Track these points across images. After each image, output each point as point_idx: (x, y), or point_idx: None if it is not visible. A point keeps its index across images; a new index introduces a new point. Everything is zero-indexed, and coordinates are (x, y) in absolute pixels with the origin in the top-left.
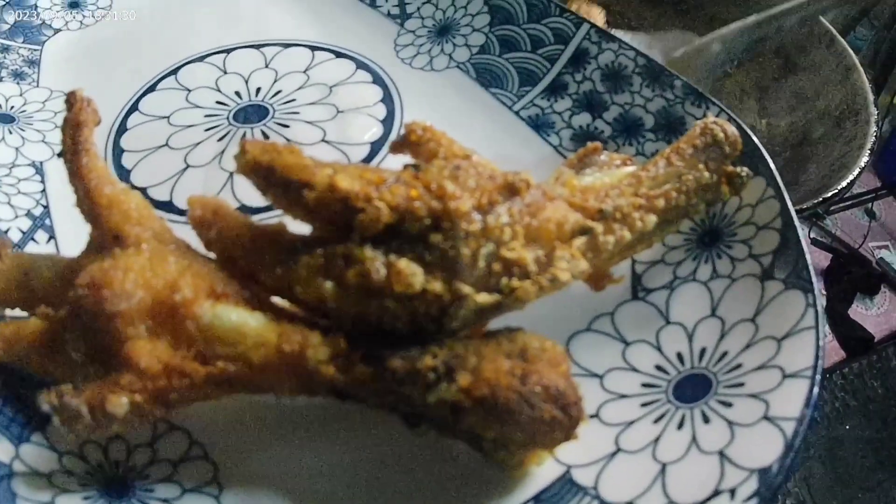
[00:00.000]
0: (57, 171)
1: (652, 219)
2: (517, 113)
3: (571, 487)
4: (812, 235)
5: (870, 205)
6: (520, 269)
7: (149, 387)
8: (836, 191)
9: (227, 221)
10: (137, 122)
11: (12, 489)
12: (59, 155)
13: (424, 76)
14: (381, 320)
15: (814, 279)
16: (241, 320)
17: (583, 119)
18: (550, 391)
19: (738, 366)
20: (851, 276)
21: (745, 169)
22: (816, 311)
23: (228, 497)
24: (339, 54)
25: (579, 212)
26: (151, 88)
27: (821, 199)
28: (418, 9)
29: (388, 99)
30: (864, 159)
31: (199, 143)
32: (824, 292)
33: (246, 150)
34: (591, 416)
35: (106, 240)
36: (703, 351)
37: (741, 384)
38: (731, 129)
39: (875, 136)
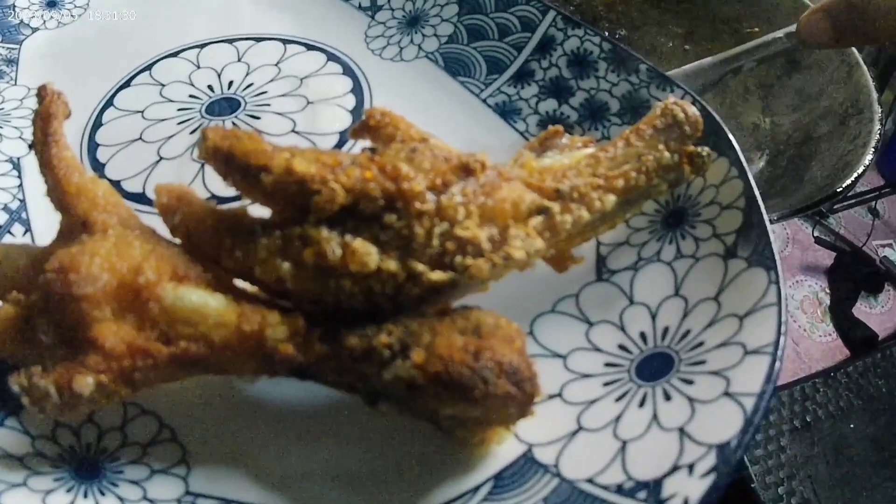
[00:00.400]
0: (33, 166)
1: (611, 199)
2: (485, 100)
3: (532, 465)
4: (816, 234)
5: (873, 203)
6: (473, 248)
7: (114, 367)
8: (840, 189)
9: (191, 207)
10: (112, 116)
11: None
12: (31, 147)
13: (394, 66)
14: (338, 299)
15: (776, 257)
16: (202, 301)
17: (549, 105)
18: (504, 366)
19: (701, 343)
20: (855, 274)
21: (706, 149)
22: (779, 288)
23: (196, 477)
24: (310, 47)
25: (536, 192)
26: (126, 84)
27: (824, 196)
28: (388, 0)
29: (357, 89)
30: (869, 157)
31: (171, 136)
32: (828, 291)
33: (207, 137)
34: (554, 396)
35: (75, 227)
36: (665, 330)
37: (703, 361)
38: (692, 110)
39: (879, 135)
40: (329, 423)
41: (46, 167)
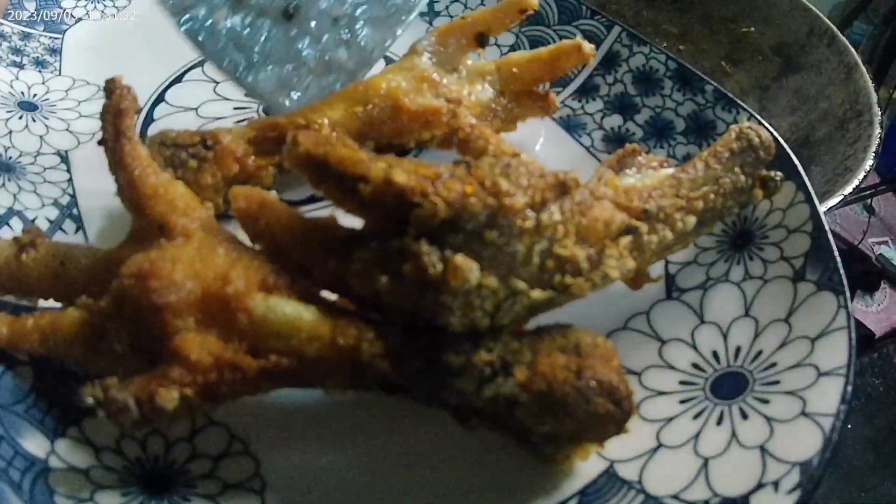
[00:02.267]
0: (82, 160)
1: (692, 220)
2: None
3: (616, 482)
4: None
5: (869, 200)
6: (572, 266)
7: (199, 381)
8: (841, 198)
9: (275, 213)
10: (164, 112)
11: (50, 485)
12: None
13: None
14: (435, 315)
15: (844, 282)
16: (296, 314)
17: (614, 121)
18: (605, 386)
19: (774, 364)
20: (851, 272)
21: (779, 174)
22: (848, 312)
23: (273, 491)
24: None
25: (624, 212)
26: (178, 79)
27: (826, 207)
28: (447, 7)
29: None
30: (869, 163)
31: None
32: None
33: (298, 143)
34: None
35: (150, 230)
36: (738, 349)
37: (777, 382)
38: (765, 134)
39: (879, 139)
40: (410, 439)
41: (119, 165)
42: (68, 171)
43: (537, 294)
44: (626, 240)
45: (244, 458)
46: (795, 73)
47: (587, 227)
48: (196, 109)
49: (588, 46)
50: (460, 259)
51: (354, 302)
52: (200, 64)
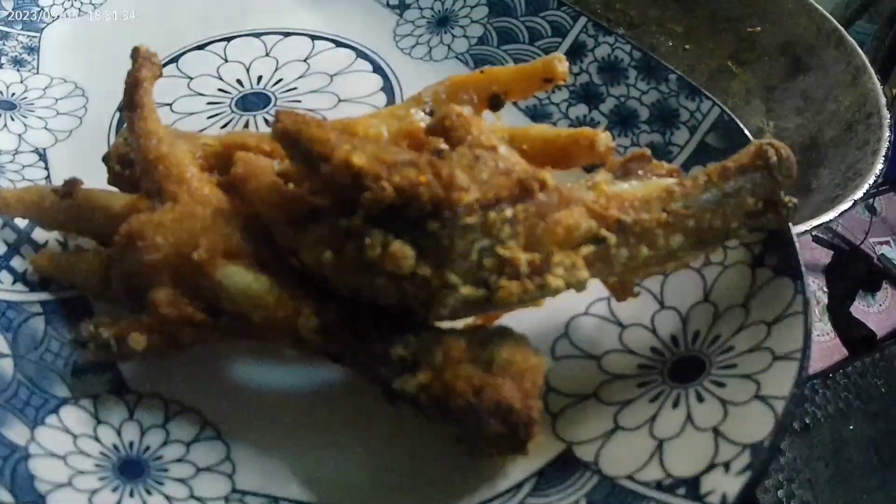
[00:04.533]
0: (60, 158)
1: (677, 239)
2: (514, 103)
3: (573, 463)
4: (813, 233)
5: (871, 200)
6: (511, 269)
7: (164, 329)
8: (852, 203)
9: (260, 181)
10: None
11: (30, 471)
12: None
13: (423, 66)
14: (372, 295)
15: (802, 267)
16: (245, 283)
17: (579, 110)
18: (502, 408)
19: (731, 348)
20: (853, 272)
21: (794, 200)
22: (805, 298)
23: (242, 475)
24: (339, 43)
25: (597, 219)
26: None
27: (838, 212)
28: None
29: (387, 88)
30: (879, 167)
31: (202, 130)
32: (826, 290)
33: (279, 119)
34: (590, 396)
35: (153, 191)
36: (696, 334)
37: (734, 365)
38: (786, 153)
39: (889, 142)
40: (376, 422)
41: (131, 132)
42: (46, 168)
43: (468, 290)
44: (587, 249)
45: (216, 443)
46: (802, 74)
47: (544, 231)
48: (171, 105)
49: (604, 139)
50: (397, 245)
51: (308, 273)
52: (175, 60)
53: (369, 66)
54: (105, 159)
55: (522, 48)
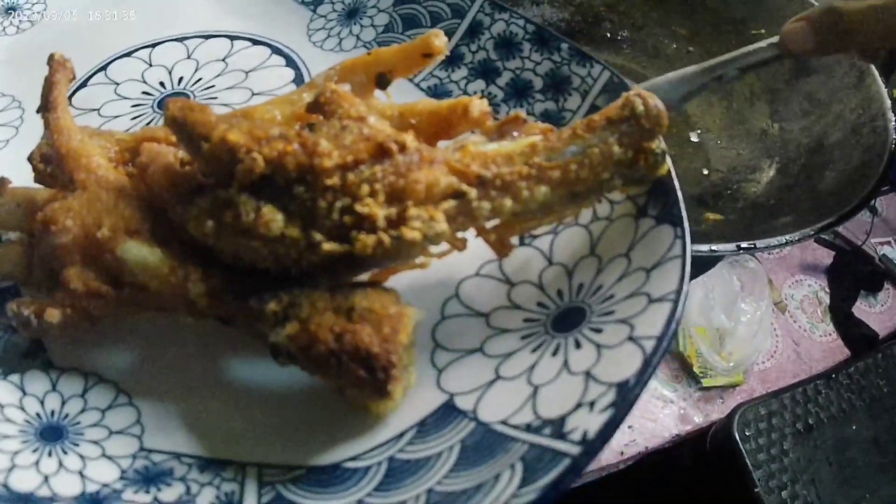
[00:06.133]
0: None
1: (542, 189)
2: (418, 84)
3: (453, 412)
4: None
5: (872, 201)
6: (370, 224)
7: (76, 304)
8: (856, 204)
9: (157, 164)
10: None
11: None
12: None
13: (334, 56)
14: (251, 259)
15: (683, 213)
16: (142, 255)
17: (477, 86)
18: (361, 352)
19: (611, 296)
20: (855, 273)
21: (661, 145)
22: (684, 242)
23: (149, 435)
24: (255, 42)
25: (458, 176)
26: (83, 84)
27: (844, 212)
28: None
29: (299, 79)
30: (884, 168)
31: (126, 131)
32: (828, 290)
33: (168, 108)
34: (476, 351)
35: (66, 183)
36: (580, 286)
37: (612, 312)
38: (653, 102)
39: (893, 145)
40: (265, 380)
41: (47, 129)
42: None
43: (330, 246)
44: (447, 204)
45: (128, 409)
46: (807, 76)
47: (403, 188)
48: (98, 110)
49: (478, 105)
50: (267, 209)
51: (198, 244)
52: (104, 68)
53: (283, 61)
54: (29, 158)
55: (425, 32)
